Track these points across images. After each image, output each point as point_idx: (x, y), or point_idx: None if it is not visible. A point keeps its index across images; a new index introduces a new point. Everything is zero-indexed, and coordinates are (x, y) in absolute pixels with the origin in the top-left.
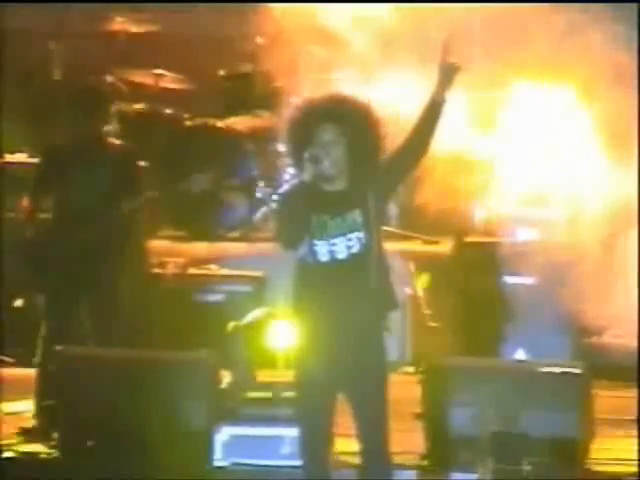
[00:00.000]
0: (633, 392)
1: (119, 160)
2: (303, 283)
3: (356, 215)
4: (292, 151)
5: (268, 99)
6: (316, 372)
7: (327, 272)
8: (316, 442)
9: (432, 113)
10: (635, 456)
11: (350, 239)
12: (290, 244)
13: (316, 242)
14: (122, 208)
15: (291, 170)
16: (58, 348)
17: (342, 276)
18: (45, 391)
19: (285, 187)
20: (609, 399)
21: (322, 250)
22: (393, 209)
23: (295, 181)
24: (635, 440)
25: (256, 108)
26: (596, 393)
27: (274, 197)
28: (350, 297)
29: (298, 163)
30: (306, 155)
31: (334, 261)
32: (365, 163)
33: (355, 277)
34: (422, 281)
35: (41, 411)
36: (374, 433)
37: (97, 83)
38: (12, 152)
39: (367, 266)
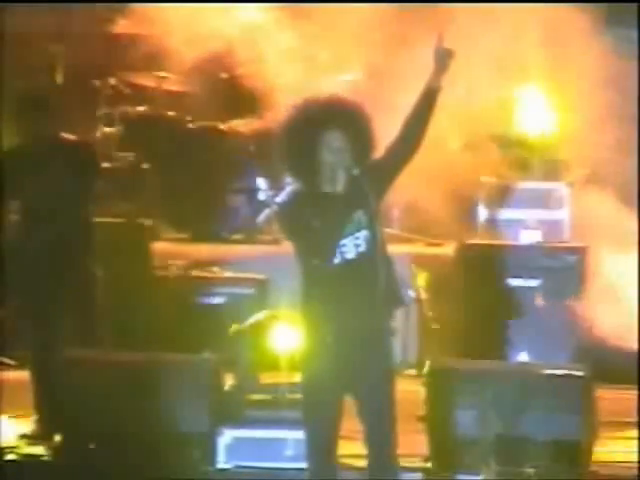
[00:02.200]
0: (635, 394)
1: (72, 155)
2: (316, 286)
3: (361, 214)
4: (295, 155)
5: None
6: (324, 374)
7: (339, 273)
8: (323, 445)
9: (428, 101)
10: (637, 458)
11: (357, 238)
12: (327, 254)
13: None
14: (79, 204)
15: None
16: (63, 352)
17: (353, 276)
18: (42, 393)
19: (283, 197)
20: (611, 401)
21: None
22: (396, 211)
23: (291, 190)
24: (637, 442)
25: (260, 110)
26: (599, 395)
27: (275, 205)
28: (362, 296)
29: (301, 167)
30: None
31: (344, 261)
32: (364, 163)
33: (365, 276)
34: (420, 280)
35: (41, 413)
36: (381, 435)
37: (44, 84)
38: None
39: (375, 264)
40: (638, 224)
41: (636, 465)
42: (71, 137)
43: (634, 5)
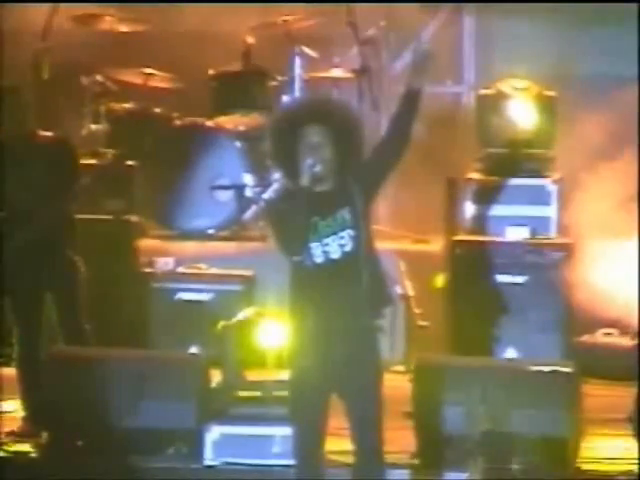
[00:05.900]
0: (623, 391)
1: (50, 153)
2: (301, 286)
3: (345, 213)
4: (277, 153)
5: (260, 98)
6: (311, 372)
7: (323, 273)
8: (309, 441)
9: (409, 103)
10: (625, 455)
11: (342, 237)
12: (295, 251)
13: (310, 244)
14: (60, 201)
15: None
16: (53, 348)
17: (338, 276)
18: (27, 391)
19: (270, 194)
20: (599, 398)
21: (316, 252)
22: (383, 208)
23: (279, 187)
24: (626, 439)
25: (247, 107)
26: (586, 392)
27: (262, 201)
28: (346, 297)
29: (284, 165)
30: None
31: (329, 261)
32: (350, 162)
33: (350, 276)
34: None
35: (27, 411)
36: (367, 433)
37: (22, 81)
38: None
39: (360, 263)
40: (638, 223)
41: (625, 461)
42: (48, 134)
43: (634, 5)
